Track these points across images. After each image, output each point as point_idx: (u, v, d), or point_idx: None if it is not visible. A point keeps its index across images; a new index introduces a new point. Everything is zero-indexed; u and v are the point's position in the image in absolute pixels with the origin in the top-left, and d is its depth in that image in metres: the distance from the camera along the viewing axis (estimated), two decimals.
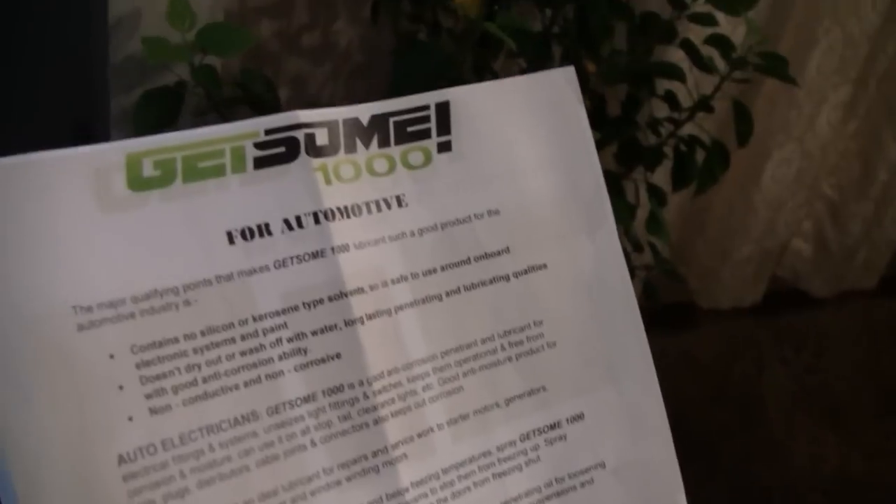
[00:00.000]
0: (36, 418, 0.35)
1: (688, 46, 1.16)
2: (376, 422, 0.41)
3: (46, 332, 0.35)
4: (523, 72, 1.16)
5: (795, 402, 1.76)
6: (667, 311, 1.66)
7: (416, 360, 0.43)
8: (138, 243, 0.38)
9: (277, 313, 0.40)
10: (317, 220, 0.41)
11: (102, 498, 0.36)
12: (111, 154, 0.38)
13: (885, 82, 1.79)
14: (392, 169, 0.43)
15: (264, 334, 0.39)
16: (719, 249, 1.88)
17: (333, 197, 0.41)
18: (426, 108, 0.44)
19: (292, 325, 0.40)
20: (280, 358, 0.39)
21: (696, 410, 1.64)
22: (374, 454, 0.41)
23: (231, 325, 0.39)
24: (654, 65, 1.22)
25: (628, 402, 0.47)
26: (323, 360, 0.40)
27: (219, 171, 0.39)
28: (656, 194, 1.29)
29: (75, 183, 0.37)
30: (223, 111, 1.07)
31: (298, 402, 0.40)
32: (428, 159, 0.44)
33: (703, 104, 1.20)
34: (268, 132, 0.40)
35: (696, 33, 1.17)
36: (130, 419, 0.36)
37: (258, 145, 0.40)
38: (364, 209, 0.42)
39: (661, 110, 1.26)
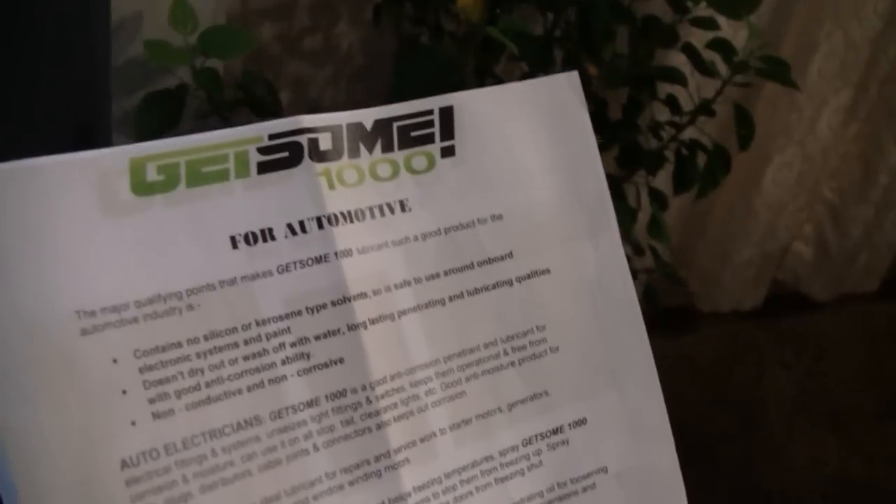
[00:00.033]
0: (39, 423, 0.35)
1: (689, 50, 1.16)
2: (379, 426, 0.41)
3: (50, 337, 0.35)
4: (525, 75, 1.17)
5: (796, 406, 1.76)
6: (667, 314, 1.66)
7: (419, 364, 0.43)
8: (142, 248, 0.38)
9: (281, 318, 0.40)
10: (320, 225, 0.41)
11: (105, 502, 0.36)
12: (115, 159, 0.38)
13: (887, 86, 1.79)
14: (395, 174, 0.43)
15: (267, 339, 0.39)
16: (720, 253, 1.88)
17: (337, 202, 0.41)
18: (430, 112, 0.44)
19: (295, 330, 0.40)
20: (283, 362, 0.39)
21: (697, 414, 1.64)
22: (377, 459, 0.41)
23: (234, 330, 0.39)
24: (655, 68, 1.23)
25: (631, 407, 0.47)
26: (326, 365, 0.40)
27: (222, 176, 0.39)
28: (657, 198, 1.29)
29: (79, 187, 0.37)
30: (224, 114, 1.07)
31: (301, 406, 0.40)
32: (431, 164, 0.44)
33: (705, 108, 1.20)
34: (271, 137, 0.40)
35: (698, 37, 1.17)
36: (133, 424, 0.36)
37: (262, 150, 0.40)
38: (367, 214, 0.42)
39: (662, 114, 1.27)
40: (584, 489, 0.46)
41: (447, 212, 0.44)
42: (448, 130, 0.44)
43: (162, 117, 1.01)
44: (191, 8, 0.99)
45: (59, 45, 0.74)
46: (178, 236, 0.38)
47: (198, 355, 0.38)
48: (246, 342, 0.39)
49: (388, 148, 0.43)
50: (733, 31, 1.34)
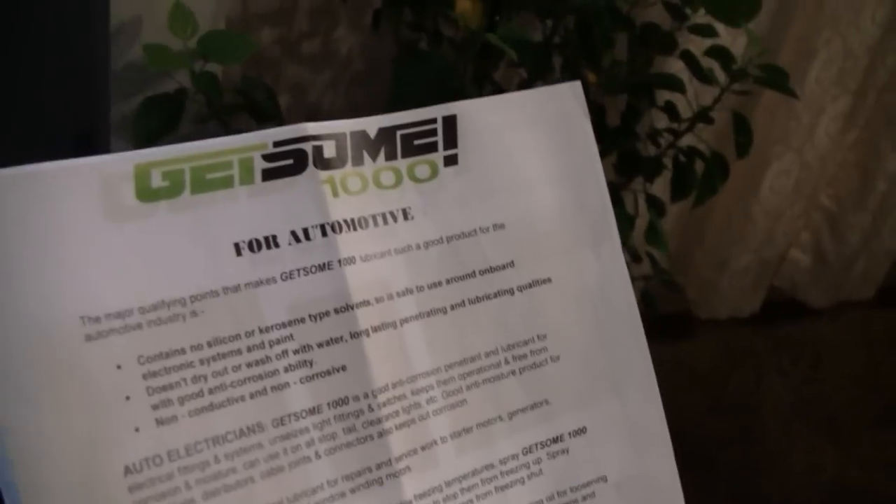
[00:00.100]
0: (42, 428, 0.35)
1: (688, 58, 1.16)
2: (380, 434, 0.41)
3: (54, 343, 0.35)
4: (524, 81, 1.17)
5: (793, 413, 1.76)
6: (664, 320, 1.66)
7: (421, 372, 0.43)
8: (146, 254, 0.38)
9: (284, 325, 0.40)
10: (324, 233, 0.41)
11: None
12: (120, 164, 0.38)
13: (885, 94, 1.80)
14: (399, 182, 0.43)
15: (270, 346, 0.39)
16: (717, 259, 1.88)
17: (340, 209, 0.41)
18: (433, 121, 0.44)
19: (298, 337, 0.40)
20: (286, 370, 0.40)
21: (694, 420, 1.64)
22: (378, 466, 0.41)
23: (237, 337, 0.39)
24: (654, 76, 1.23)
25: (630, 417, 0.47)
26: (328, 373, 0.40)
27: (227, 183, 0.39)
28: (655, 205, 1.29)
29: (84, 193, 0.37)
30: (224, 118, 1.07)
31: (304, 413, 0.40)
32: (434, 173, 0.44)
33: (703, 115, 1.20)
34: (276, 144, 0.40)
35: (697, 44, 1.17)
36: (137, 430, 0.36)
37: (266, 157, 0.40)
38: (371, 222, 0.42)
39: (660, 121, 1.27)
40: (584, 498, 0.46)
41: (450, 220, 0.44)
42: (451, 139, 0.45)
43: (161, 121, 1.01)
44: (190, 12, 0.99)
45: (59, 48, 0.75)
46: (183, 243, 0.38)
47: (201, 362, 0.38)
48: (249, 349, 0.39)
49: (391, 156, 0.43)
50: (732, 39, 1.34)
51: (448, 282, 0.44)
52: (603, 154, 0.48)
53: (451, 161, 0.45)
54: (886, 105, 1.82)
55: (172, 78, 1.03)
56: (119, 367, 0.36)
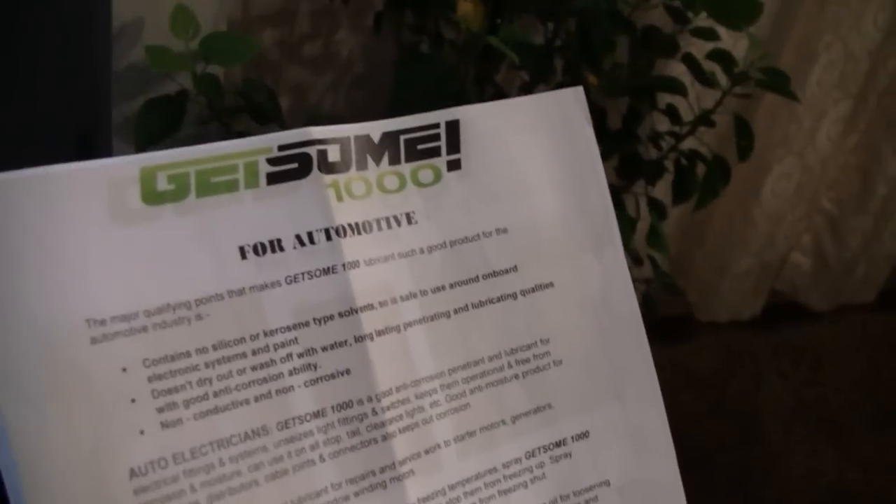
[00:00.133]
0: (48, 430, 0.35)
1: (689, 61, 1.16)
2: (384, 438, 0.41)
3: (60, 345, 0.35)
4: (525, 84, 1.17)
5: (793, 416, 1.76)
6: (665, 323, 1.66)
7: (424, 376, 0.43)
8: (151, 257, 0.38)
9: (288, 329, 0.40)
10: (328, 237, 0.41)
11: None
12: (125, 168, 0.38)
13: (886, 97, 1.80)
14: (402, 186, 0.44)
15: (275, 349, 0.39)
16: (718, 263, 1.88)
17: (345, 213, 0.42)
18: (436, 126, 0.44)
19: (303, 341, 0.40)
20: (290, 373, 0.40)
21: (694, 423, 1.64)
22: (382, 470, 0.41)
23: (242, 340, 0.39)
24: (655, 79, 1.23)
25: (633, 421, 0.47)
26: (333, 376, 0.40)
27: (232, 186, 0.40)
28: (656, 208, 1.29)
29: (89, 196, 0.37)
30: (225, 120, 1.07)
31: (308, 417, 0.40)
32: (438, 177, 0.44)
33: (705, 118, 1.20)
34: (281, 148, 0.41)
35: (698, 48, 1.17)
36: (142, 433, 0.37)
37: (271, 161, 0.40)
38: (374, 226, 0.42)
39: (662, 124, 1.27)
40: (587, 502, 0.46)
41: (453, 225, 0.44)
42: (454, 144, 0.45)
43: (162, 123, 1.01)
44: (192, 14, 0.99)
45: (61, 50, 0.75)
46: (188, 246, 0.38)
47: (206, 365, 0.38)
48: (254, 352, 0.39)
49: (395, 160, 0.43)
50: (733, 42, 1.34)
51: (451, 286, 0.44)
52: (604, 157, 0.48)
53: (454, 166, 0.45)
54: (887, 109, 1.82)
55: (174, 80, 1.03)
56: (124, 369, 0.36)
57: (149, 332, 0.37)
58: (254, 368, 0.39)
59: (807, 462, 1.66)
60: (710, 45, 1.14)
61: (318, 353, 0.40)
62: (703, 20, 1.11)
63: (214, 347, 0.38)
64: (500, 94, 1.23)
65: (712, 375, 1.83)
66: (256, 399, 0.39)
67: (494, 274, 0.45)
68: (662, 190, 1.30)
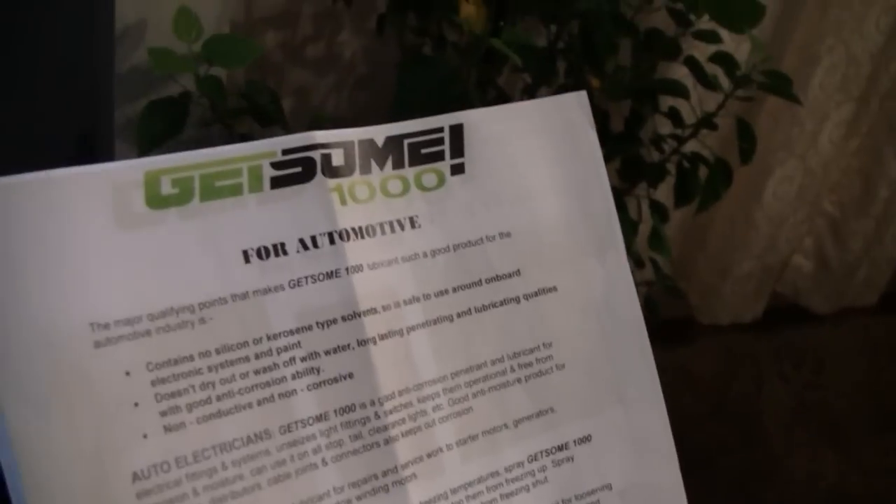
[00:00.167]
0: (51, 434, 0.35)
1: (692, 64, 1.16)
2: (387, 441, 0.41)
3: (63, 349, 0.35)
4: (528, 87, 1.17)
5: (794, 419, 1.76)
6: (666, 326, 1.65)
7: (427, 380, 0.43)
8: (155, 261, 0.38)
9: (291, 332, 0.40)
10: (332, 241, 0.41)
11: None
12: (130, 171, 0.38)
13: (888, 101, 1.79)
14: (406, 190, 0.44)
15: (278, 353, 0.39)
16: (720, 265, 1.88)
17: (348, 217, 0.42)
18: (440, 130, 0.45)
19: (306, 345, 0.40)
20: (293, 377, 0.40)
21: (695, 426, 1.64)
22: (385, 473, 0.41)
23: (245, 344, 0.39)
24: (657, 81, 1.23)
25: (635, 425, 0.47)
26: (335, 380, 0.40)
27: (236, 190, 0.40)
28: (658, 210, 1.30)
29: (93, 200, 0.37)
30: (228, 122, 1.07)
31: (311, 420, 0.40)
32: (441, 181, 0.44)
33: (707, 121, 1.20)
34: (285, 152, 0.41)
35: (701, 50, 1.17)
36: (145, 436, 0.37)
37: (275, 165, 0.40)
38: (378, 230, 0.42)
39: (664, 127, 1.27)
40: None
41: (456, 229, 0.44)
42: (458, 148, 0.45)
43: (165, 125, 1.01)
44: (195, 16, 0.99)
45: (63, 51, 0.75)
46: (192, 250, 0.38)
47: (209, 369, 0.38)
48: (257, 356, 0.39)
49: (398, 164, 0.43)
50: (736, 45, 1.34)
51: (454, 290, 0.44)
52: (606, 159, 0.48)
53: (457, 170, 0.45)
54: (889, 112, 1.82)
55: (176, 81, 1.03)
56: (128, 373, 0.37)
57: (152, 335, 0.37)
58: (257, 372, 0.39)
59: (807, 464, 1.65)
60: (712, 48, 1.14)
61: (321, 357, 0.40)
62: (705, 23, 1.11)
63: (218, 351, 0.38)
64: (502, 97, 1.23)
65: (714, 378, 1.83)
66: (259, 403, 0.39)
67: (497, 278, 0.45)
68: (664, 192, 1.30)
